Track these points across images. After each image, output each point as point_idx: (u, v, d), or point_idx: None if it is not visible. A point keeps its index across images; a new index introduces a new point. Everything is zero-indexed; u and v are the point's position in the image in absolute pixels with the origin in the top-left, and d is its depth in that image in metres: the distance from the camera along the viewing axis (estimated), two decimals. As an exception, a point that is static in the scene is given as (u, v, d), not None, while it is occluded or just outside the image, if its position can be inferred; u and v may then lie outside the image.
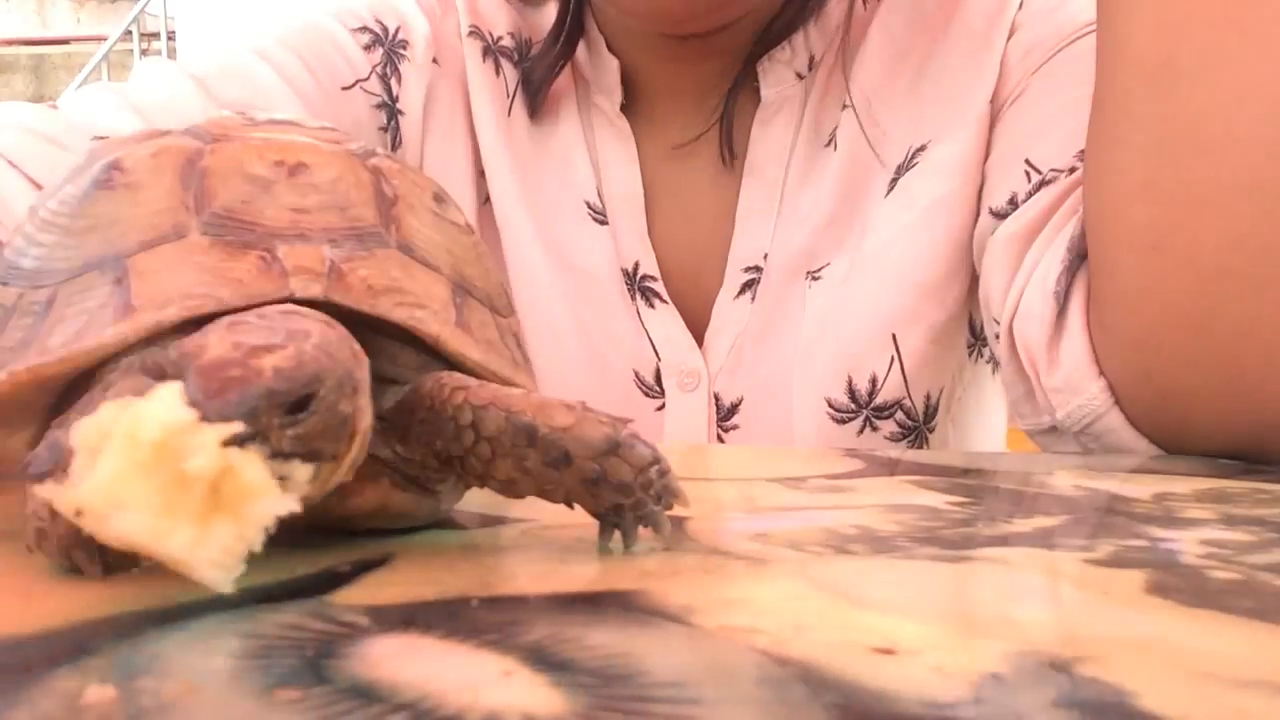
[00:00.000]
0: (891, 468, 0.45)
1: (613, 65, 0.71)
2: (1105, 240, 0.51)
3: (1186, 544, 0.30)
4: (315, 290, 0.28)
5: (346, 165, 0.31)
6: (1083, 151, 0.55)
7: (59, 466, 0.23)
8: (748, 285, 0.70)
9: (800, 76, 0.69)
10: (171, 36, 6.15)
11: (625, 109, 0.72)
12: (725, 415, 0.69)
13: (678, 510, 0.29)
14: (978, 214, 0.64)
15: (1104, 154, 0.51)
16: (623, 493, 0.28)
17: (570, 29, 0.71)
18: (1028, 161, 0.60)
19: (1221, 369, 0.47)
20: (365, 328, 0.28)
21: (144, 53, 6.42)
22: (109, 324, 0.27)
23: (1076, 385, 0.52)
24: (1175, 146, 0.47)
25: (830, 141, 0.69)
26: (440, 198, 0.34)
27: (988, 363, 0.74)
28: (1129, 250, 0.49)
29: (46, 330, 0.28)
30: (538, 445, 0.27)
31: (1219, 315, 0.47)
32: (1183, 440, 0.50)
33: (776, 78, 0.69)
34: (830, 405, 0.66)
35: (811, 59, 0.69)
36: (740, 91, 0.69)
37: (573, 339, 0.71)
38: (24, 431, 0.30)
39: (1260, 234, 0.45)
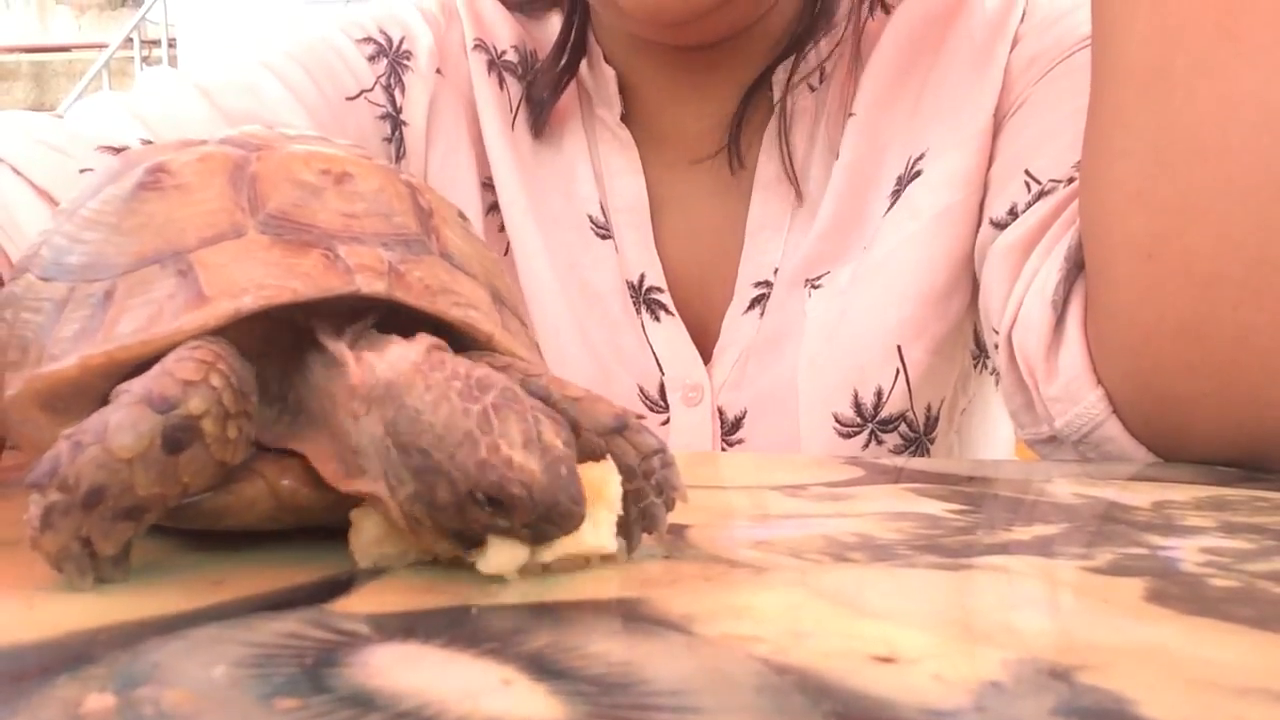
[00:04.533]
0: (892, 476, 0.45)
1: (609, 75, 0.71)
2: (1101, 249, 0.51)
3: (1186, 552, 0.30)
4: (379, 287, 0.29)
5: (387, 177, 0.32)
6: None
7: (53, 482, 0.24)
8: (757, 300, 0.70)
9: (812, 89, 0.69)
10: (172, 44, 6.17)
11: (629, 120, 0.72)
12: (729, 430, 0.69)
13: (679, 518, 0.29)
14: (980, 225, 0.65)
15: (1099, 163, 0.51)
16: (626, 476, 0.28)
17: (574, 45, 0.71)
18: (1027, 172, 0.61)
19: (1218, 376, 0.47)
20: (407, 321, 0.29)
21: (145, 60, 6.44)
22: (182, 312, 0.27)
23: (1074, 394, 0.52)
24: (1170, 155, 0.47)
25: (836, 152, 0.69)
26: (464, 217, 0.35)
27: (992, 374, 0.74)
28: (1125, 258, 0.49)
29: (111, 319, 0.28)
30: None
31: (1215, 322, 0.47)
32: (1181, 448, 0.50)
33: (785, 89, 0.69)
34: (837, 420, 0.66)
35: (823, 72, 0.69)
36: (752, 104, 0.69)
37: (578, 352, 0.71)
38: (74, 420, 0.29)
39: (1255, 241, 0.45)
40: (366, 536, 0.27)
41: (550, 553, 0.26)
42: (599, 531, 0.26)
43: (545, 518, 0.25)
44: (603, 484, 0.27)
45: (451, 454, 0.25)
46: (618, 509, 0.27)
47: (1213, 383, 0.47)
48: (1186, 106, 0.47)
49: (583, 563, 0.27)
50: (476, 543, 0.26)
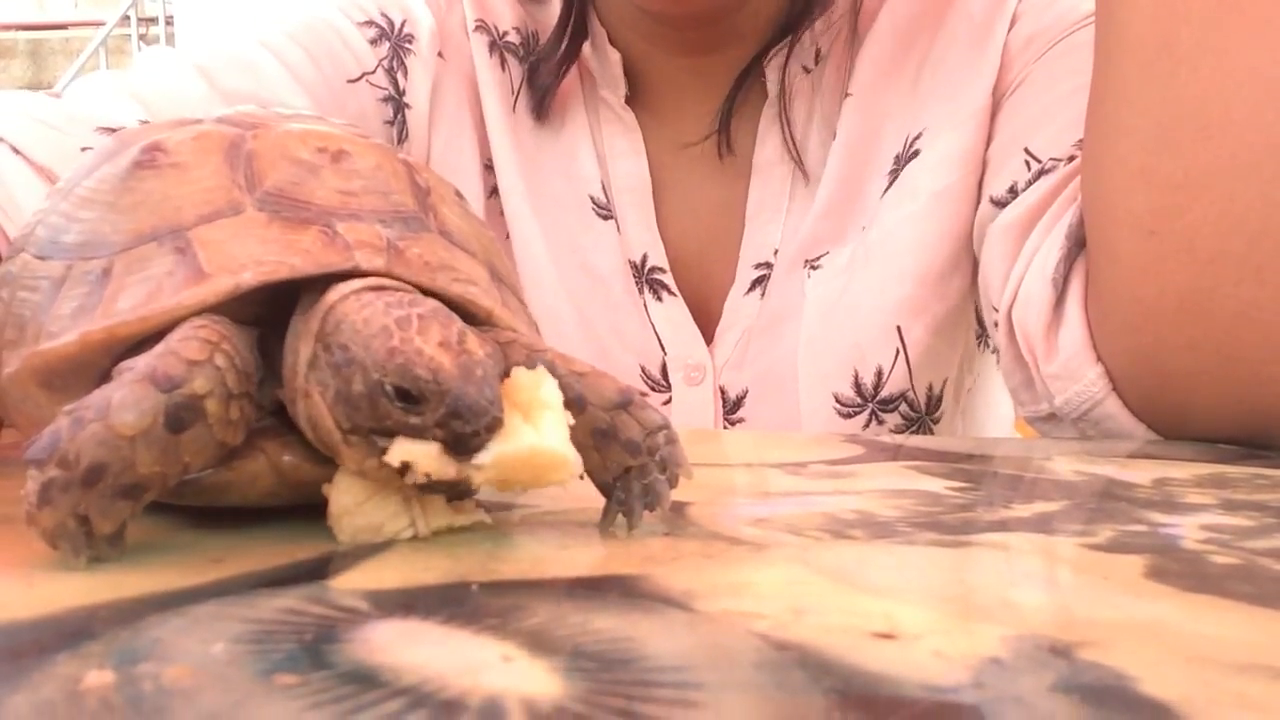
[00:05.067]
0: (892, 453, 0.45)
1: (615, 58, 0.71)
2: (1104, 225, 0.51)
3: (1186, 529, 0.30)
4: (378, 263, 0.28)
5: (384, 155, 0.32)
6: (1081, 140, 0.55)
7: (52, 457, 0.24)
8: (758, 281, 0.70)
9: (807, 70, 0.69)
10: (170, 21, 6.14)
11: (632, 102, 0.72)
12: (731, 409, 0.69)
13: (680, 495, 0.29)
14: (979, 204, 0.65)
15: (1102, 140, 0.51)
16: (630, 452, 0.28)
17: (574, 28, 0.71)
18: (1027, 150, 0.60)
19: (1220, 353, 0.47)
20: None
21: (142, 38, 6.41)
22: (181, 288, 0.27)
23: (1074, 371, 0.52)
24: (1174, 131, 0.47)
25: (833, 132, 0.68)
26: (461, 195, 0.35)
27: (992, 352, 0.74)
28: (1128, 235, 0.49)
29: (109, 296, 0.28)
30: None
31: (1217, 299, 0.47)
32: (1181, 426, 0.50)
33: (784, 75, 0.69)
34: (837, 400, 0.66)
35: (818, 53, 0.69)
36: (745, 87, 0.69)
37: (577, 335, 0.71)
38: (73, 398, 0.29)
39: (1258, 217, 0.45)
40: (340, 509, 0.27)
41: (486, 455, 0.25)
42: (543, 434, 0.26)
43: (455, 412, 0.25)
44: (535, 387, 0.27)
45: (366, 344, 0.26)
46: (561, 410, 0.27)
47: (1214, 360, 0.47)
48: (1191, 82, 0.47)
49: (536, 473, 0.26)
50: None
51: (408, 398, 0.25)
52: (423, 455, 0.25)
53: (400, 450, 0.25)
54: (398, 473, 0.26)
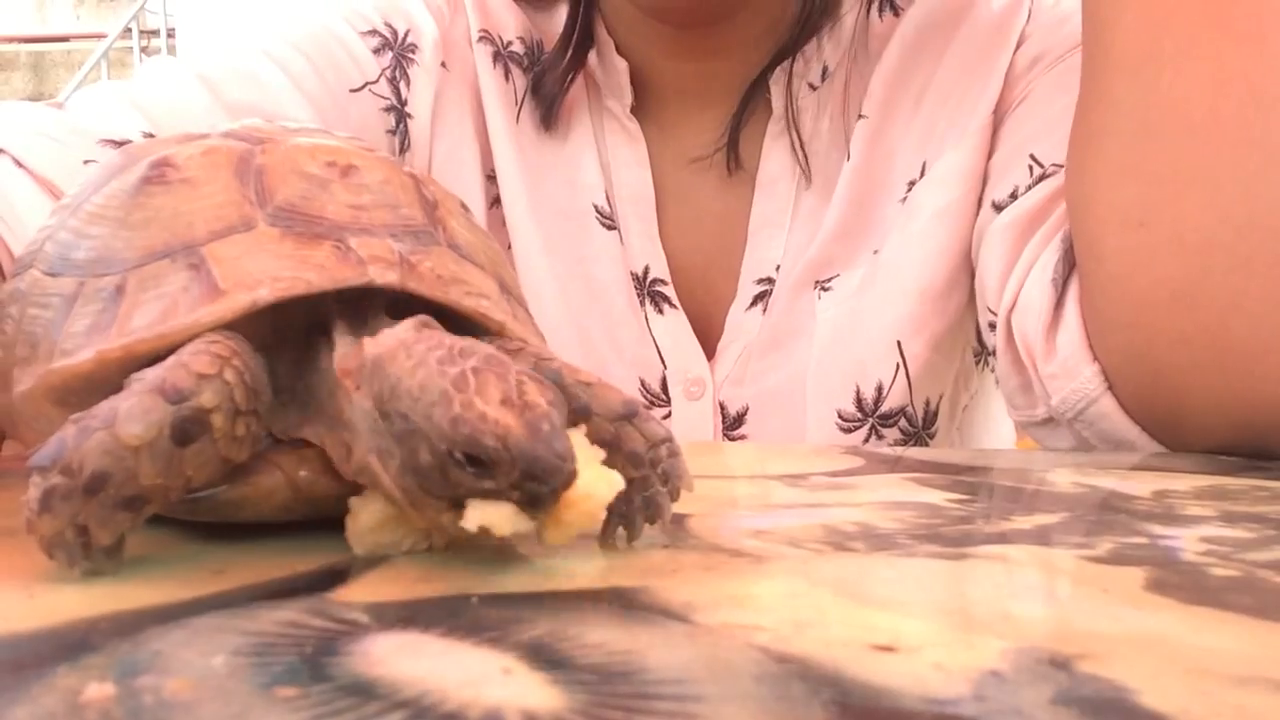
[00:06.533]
0: (892, 465, 0.45)
1: (622, 67, 0.71)
2: (1092, 222, 0.52)
3: (1186, 541, 0.30)
4: (392, 278, 0.29)
5: (391, 169, 0.32)
6: None
7: (56, 465, 0.24)
8: (760, 297, 0.70)
9: (813, 88, 0.69)
10: (171, 34, 6.16)
11: (637, 113, 0.72)
12: (731, 425, 0.69)
13: (680, 507, 0.29)
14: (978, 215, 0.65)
15: (1090, 142, 0.52)
16: (633, 463, 0.28)
17: (580, 37, 0.71)
18: (1032, 156, 0.61)
19: (1212, 344, 0.48)
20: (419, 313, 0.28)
21: (144, 50, 6.43)
22: (198, 305, 0.27)
23: (1071, 370, 0.53)
24: (1159, 129, 0.49)
25: (845, 153, 0.69)
26: (466, 208, 0.35)
27: (987, 365, 0.74)
28: (1117, 230, 0.50)
29: (124, 314, 0.28)
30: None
31: (1207, 290, 0.47)
32: (1176, 428, 0.50)
33: (789, 89, 0.69)
34: (839, 416, 0.66)
35: (825, 70, 0.69)
36: (753, 102, 0.69)
37: (576, 348, 0.71)
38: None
39: (1244, 209, 0.47)
40: (363, 524, 0.27)
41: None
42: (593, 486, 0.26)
43: (528, 473, 0.24)
44: (605, 484, 0.26)
45: (428, 414, 0.24)
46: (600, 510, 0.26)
47: (1207, 353, 0.48)
48: (1175, 84, 0.48)
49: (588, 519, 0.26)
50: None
51: (479, 464, 0.24)
52: (500, 518, 0.25)
53: (477, 514, 0.25)
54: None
